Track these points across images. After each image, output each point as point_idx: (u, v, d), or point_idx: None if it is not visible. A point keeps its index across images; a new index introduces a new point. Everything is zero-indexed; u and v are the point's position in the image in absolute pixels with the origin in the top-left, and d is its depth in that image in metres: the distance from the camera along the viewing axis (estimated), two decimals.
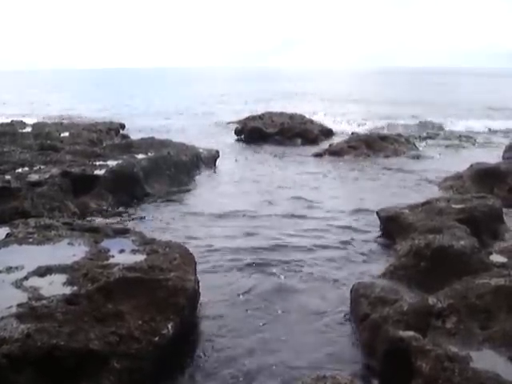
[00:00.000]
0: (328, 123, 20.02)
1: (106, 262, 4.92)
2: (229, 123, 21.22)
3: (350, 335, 4.69)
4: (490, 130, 20.00)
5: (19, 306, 4.00)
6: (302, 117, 19.48)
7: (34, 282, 4.49)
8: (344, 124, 21.13)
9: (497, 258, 5.73)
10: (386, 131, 17.87)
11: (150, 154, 10.89)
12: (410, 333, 3.82)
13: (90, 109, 29.65)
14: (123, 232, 5.99)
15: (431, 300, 4.21)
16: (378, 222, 7.57)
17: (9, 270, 4.72)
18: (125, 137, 16.85)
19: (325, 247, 6.97)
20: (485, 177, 9.37)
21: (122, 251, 5.28)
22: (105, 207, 8.48)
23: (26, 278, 4.55)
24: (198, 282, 5.04)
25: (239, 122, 19.78)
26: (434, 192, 9.56)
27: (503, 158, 12.80)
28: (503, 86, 60.27)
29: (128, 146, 11.83)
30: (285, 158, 13.97)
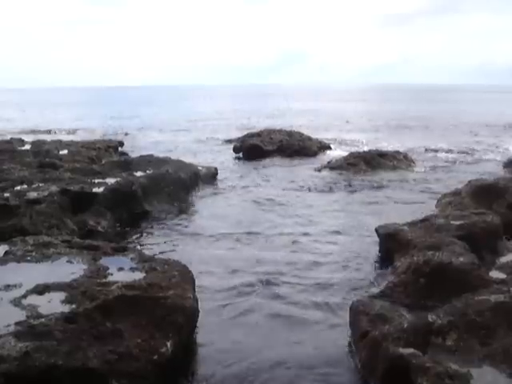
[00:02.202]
0: (327, 140, 20.16)
1: (104, 280, 4.91)
2: (227, 140, 21.30)
3: (350, 353, 4.66)
4: (488, 146, 20.07)
5: (17, 324, 3.99)
6: (300, 134, 19.57)
7: (33, 300, 4.47)
8: (342, 141, 21.26)
9: (496, 274, 5.71)
10: (384, 148, 17.91)
11: (148, 171, 10.92)
12: (410, 350, 3.81)
13: (91, 126, 29.73)
14: (122, 250, 5.99)
15: (431, 317, 4.19)
16: (377, 239, 7.56)
17: (7, 288, 4.71)
18: (123, 154, 16.90)
19: (323, 264, 6.97)
20: (483, 193, 9.36)
21: (120, 269, 5.27)
22: (104, 225, 8.46)
23: (24, 296, 4.54)
24: (197, 300, 5.02)
25: (238, 139, 19.83)
26: (432, 208, 9.56)
27: (504, 168, 12.76)
28: (502, 102, 60.60)
29: (127, 164, 11.87)
30: (283, 175, 13.97)
